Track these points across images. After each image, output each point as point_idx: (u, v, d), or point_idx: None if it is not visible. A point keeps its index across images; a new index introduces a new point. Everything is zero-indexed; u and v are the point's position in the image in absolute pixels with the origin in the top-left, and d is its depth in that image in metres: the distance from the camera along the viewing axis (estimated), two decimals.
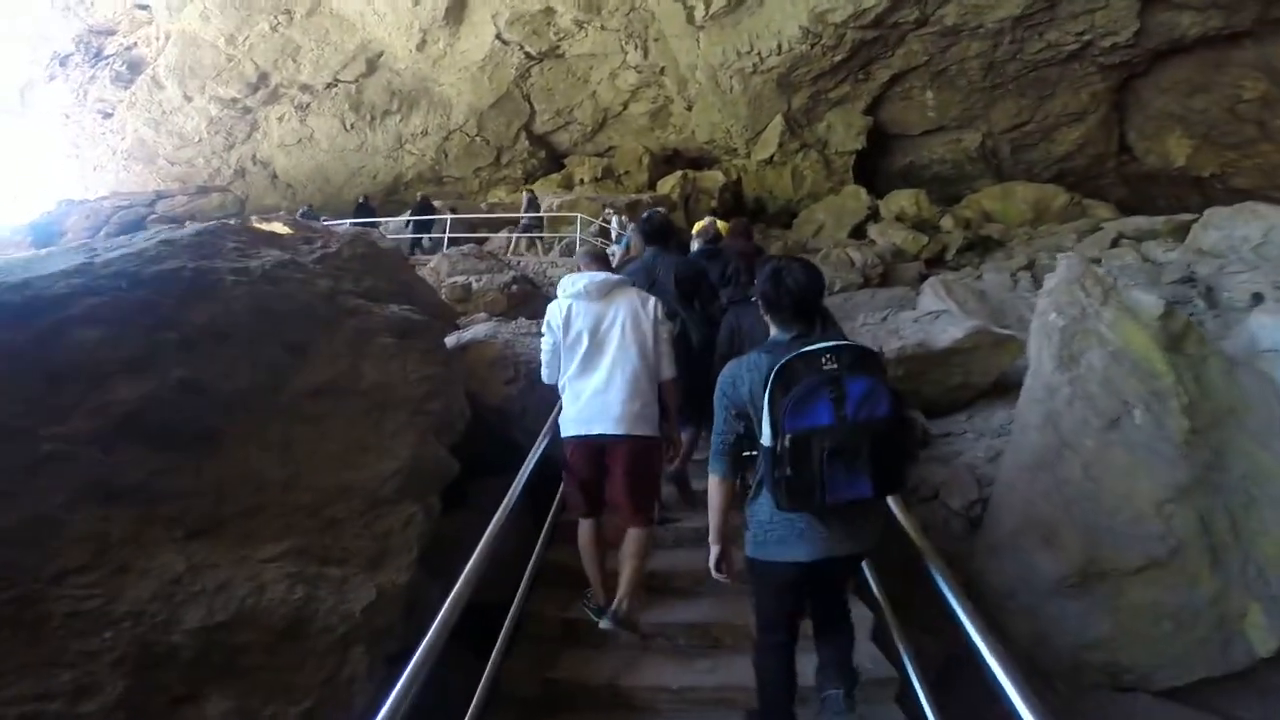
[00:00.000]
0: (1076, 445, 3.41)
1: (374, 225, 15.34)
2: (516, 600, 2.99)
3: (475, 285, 8.03)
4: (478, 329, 5.92)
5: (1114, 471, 3.30)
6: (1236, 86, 13.41)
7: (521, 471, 3.09)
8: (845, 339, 2.17)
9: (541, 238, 14.14)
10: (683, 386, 3.28)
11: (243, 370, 3.00)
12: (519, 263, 11.19)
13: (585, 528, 3.07)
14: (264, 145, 18.72)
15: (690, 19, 14.52)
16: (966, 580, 2.99)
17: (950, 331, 5.74)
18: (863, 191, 14.79)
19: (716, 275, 4.60)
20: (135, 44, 17.28)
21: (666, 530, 3.67)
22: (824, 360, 1.90)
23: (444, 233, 14.13)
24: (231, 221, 14.65)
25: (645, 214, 4.87)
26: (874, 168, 16.47)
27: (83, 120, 18.24)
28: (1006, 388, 5.77)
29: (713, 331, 3.94)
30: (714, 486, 2.17)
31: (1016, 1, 12.69)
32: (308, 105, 17.83)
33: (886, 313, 7.13)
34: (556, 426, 3.16)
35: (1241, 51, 13.17)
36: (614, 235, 13.93)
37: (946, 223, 13.30)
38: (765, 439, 1.94)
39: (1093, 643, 3.21)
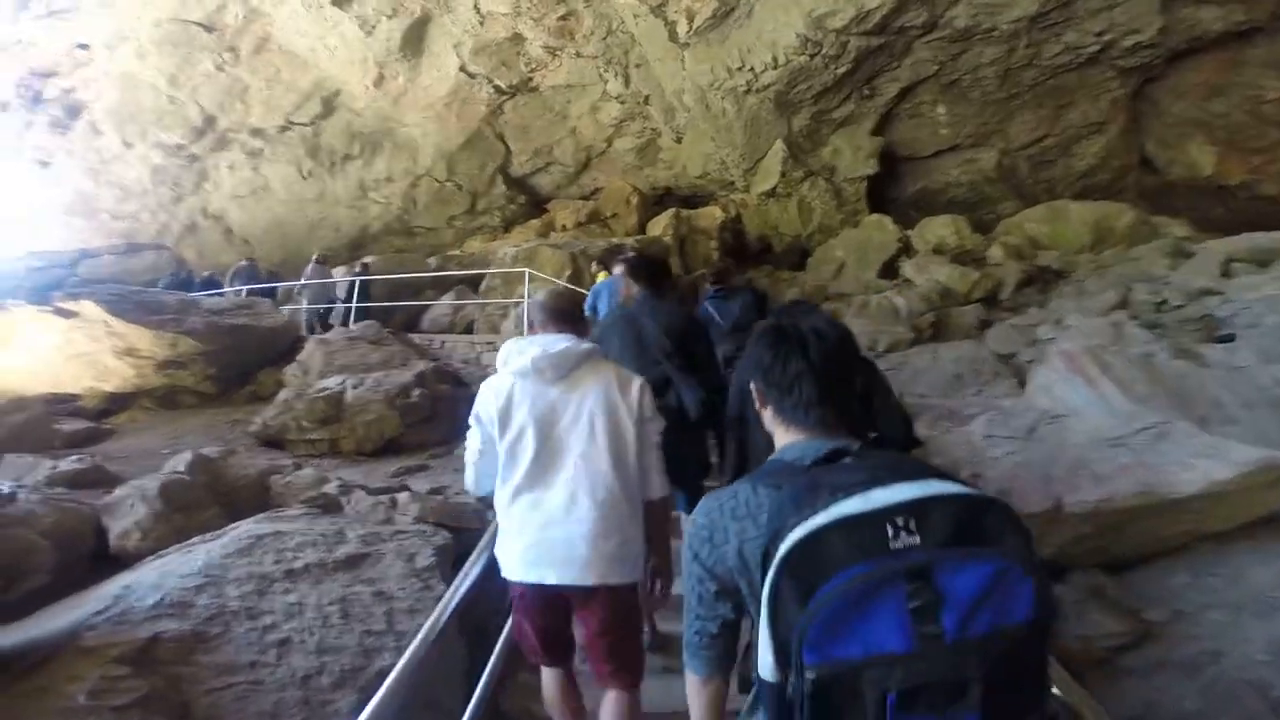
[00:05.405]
0: None
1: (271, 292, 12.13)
2: None
3: (351, 394, 4.73)
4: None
5: None
6: (1257, 88, 11.53)
7: (451, 591, 2.14)
8: (919, 466, 0.89)
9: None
10: (672, 467, 2.17)
11: None
12: (442, 345, 7.84)
13: (551, 680, 2.07)
14: (215, 197, 15.90)
15: (673, 36, 12.12)
16: None
17: (1205, 468, 2.91)
18: (888, 221, 11.99)
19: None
20: (75, 87, 14.55)
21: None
22: (895, 529, 0.79)
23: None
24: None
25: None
26: (884, 195, 13.88)
27: (20, 171, 15.34)
28: (1254, 526, 3.20)
29: (718, 397, 2.75)
30: (694, 691, 1.08)
31: None
32: (260, 151, 15.08)
33: (985, 407, 4.08)
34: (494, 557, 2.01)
35: (1256, 50, 11.37)
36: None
37: (995, 253, 10.27)
38: (765, 670, 0.85)
39: None
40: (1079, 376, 4.07)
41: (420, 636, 1.72)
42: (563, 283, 8.81)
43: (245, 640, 2.15)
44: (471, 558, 2.27)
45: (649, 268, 3.15)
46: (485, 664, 2.45)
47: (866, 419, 1.31)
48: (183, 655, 2.04)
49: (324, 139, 15.11)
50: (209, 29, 13.60)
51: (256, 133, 14.85)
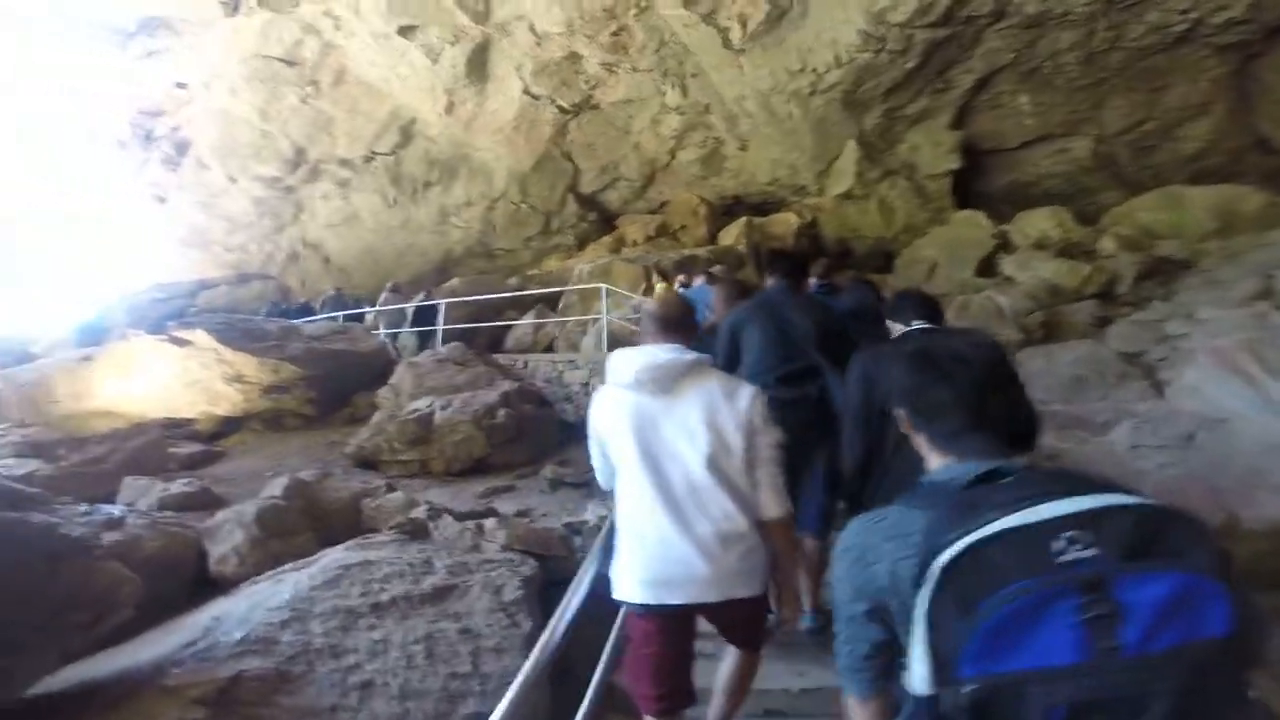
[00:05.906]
0: None
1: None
2: None
3: (439, 416, 4.73)
4: None
5: None
6: None
7: (547, 635, 1.89)
8: (1092, 480, 0.82)
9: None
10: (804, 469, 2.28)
11: None
12: (525, 365, 7.68)
13: None
14: (311, 226, 16.77)
15: (727, 43, 11.76)
16: None
17: None
18: (981, 216, 11.18)
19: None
20: (180, 125, 15.65)
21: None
22: (1065, 543, 0.75)
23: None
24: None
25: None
26: (971, 190, 13.03)
27: (140, 207, 16.60)
28: None
29: None
30: (855, 713, 1.08)
31: None
32: (348, 181, 15.80)
33: (1118, 412, 3.49)
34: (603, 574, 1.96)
35: None
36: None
37: (1106, 244, 9.30)
38: (919, 683, 0.82)
39: None
40: (1235, 375, 3.46)
41: (511, 696, 1.51)
42: (661, 292, 8.59)
43: (328, 682, 2.02)
44: (563, 603, 2.10)
45: (789, 260, 3.14)
46: (575, 708, 2.22)
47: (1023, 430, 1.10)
48: (264, 696, 1.92)
49: (405, 167, 15.65)
50: (290, 63, 14.26)
51: (344, 163, 15.56)
